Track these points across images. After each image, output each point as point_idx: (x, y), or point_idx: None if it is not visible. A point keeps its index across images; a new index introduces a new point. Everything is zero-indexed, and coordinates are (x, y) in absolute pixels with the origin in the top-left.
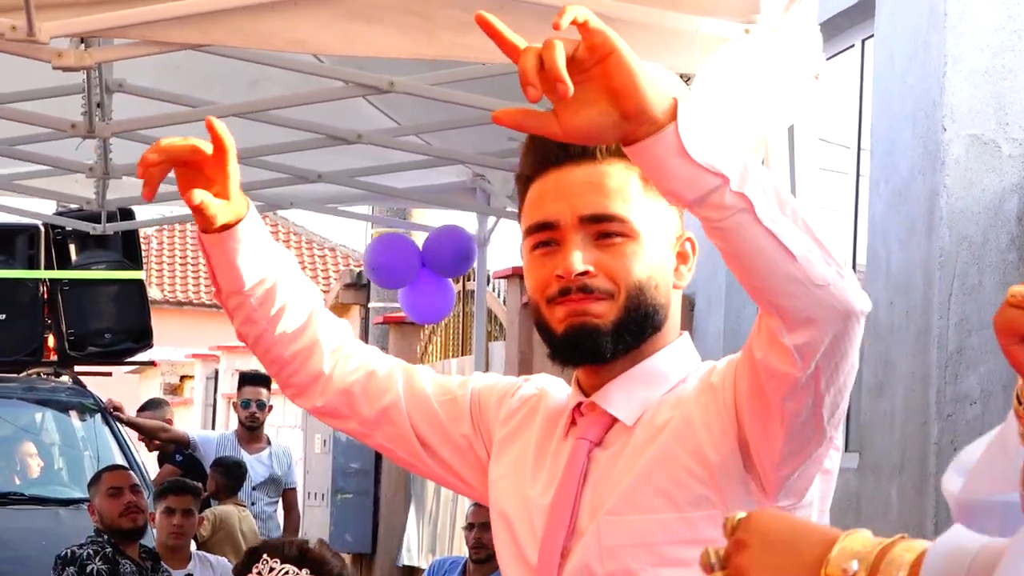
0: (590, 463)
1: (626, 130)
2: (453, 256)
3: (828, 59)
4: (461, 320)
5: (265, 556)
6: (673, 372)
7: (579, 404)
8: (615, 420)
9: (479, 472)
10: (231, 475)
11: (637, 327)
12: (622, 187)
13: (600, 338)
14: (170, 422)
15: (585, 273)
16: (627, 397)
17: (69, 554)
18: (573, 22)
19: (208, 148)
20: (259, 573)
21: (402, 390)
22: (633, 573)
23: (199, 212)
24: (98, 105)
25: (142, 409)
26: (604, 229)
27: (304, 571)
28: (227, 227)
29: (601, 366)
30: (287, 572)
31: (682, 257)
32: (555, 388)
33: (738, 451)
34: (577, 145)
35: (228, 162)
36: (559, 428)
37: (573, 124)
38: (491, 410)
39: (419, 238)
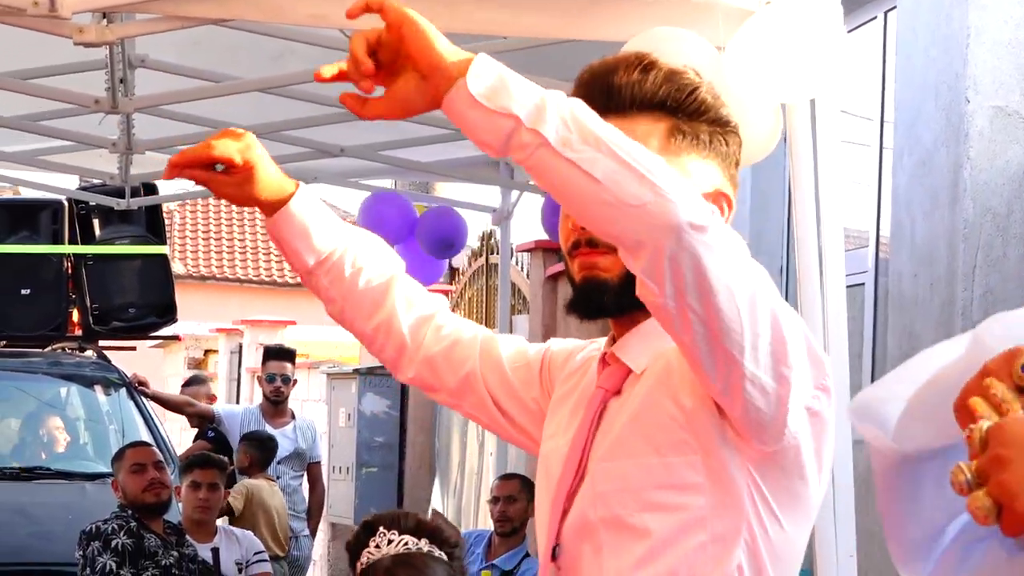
0: (604, 411)
1: (429, 92)
2: (438, 237)
3: (850, 31)
4: (485, 294)
5: (381, 528)
6: None
7: (604, 355)
8: (631, 370)
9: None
10: (264, 448)
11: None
12: (640, 141)
13: (606, 292)
14: (213, 399)
15: (583, 228)
16: (643, 348)
17: (94, 529)
18: (368, 8)
19: (222, 147)
20: (378, 546)
21: (478, 356)
22: (619, 518)
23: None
24: (121, 81)
25: (186, 385)
26: None
27: (423, 541)
28: (277, 208)
29: (623, 319)
30: (406, 542)
31: None
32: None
33: (709, 397)
34: (610, 100)
35: (249, 147)
36: (593, 379)
37: (389, 98)
38: (557, 371)
39: None
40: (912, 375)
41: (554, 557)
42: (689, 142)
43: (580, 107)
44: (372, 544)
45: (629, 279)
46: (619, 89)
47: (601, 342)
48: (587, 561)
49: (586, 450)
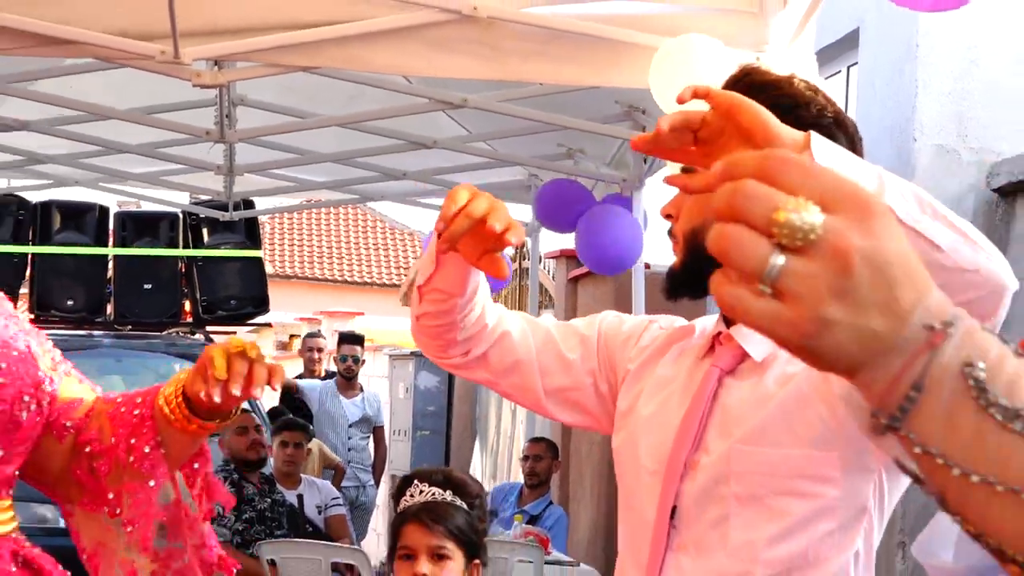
0: (720, 387)
1: None
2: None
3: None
4: (517, 293)
5: (416, 481)
6: None
7: (719, 334)
8: (747, 354)
9: (603, 403)
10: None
11: (697, 270)
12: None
13: (672, 280)
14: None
15: (668, 216)
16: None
17: None
18: (696, 95)
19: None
20: (411, 495)
21: (535, 347)
22: (757, 498)
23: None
24: (227, 116)
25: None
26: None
27: (448, 492)
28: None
29: None
30: (434, 493)
31: None
32: (682, 324)
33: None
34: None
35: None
36: (694, 352)
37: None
38: (619, 349)
39: None
40: None
41: (671, 516)
42: None
43: (906, 182)
44: (408, 493)
45: (685, 268)
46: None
47: (662, 319)
48: (706, 526)
49: (703, 423)
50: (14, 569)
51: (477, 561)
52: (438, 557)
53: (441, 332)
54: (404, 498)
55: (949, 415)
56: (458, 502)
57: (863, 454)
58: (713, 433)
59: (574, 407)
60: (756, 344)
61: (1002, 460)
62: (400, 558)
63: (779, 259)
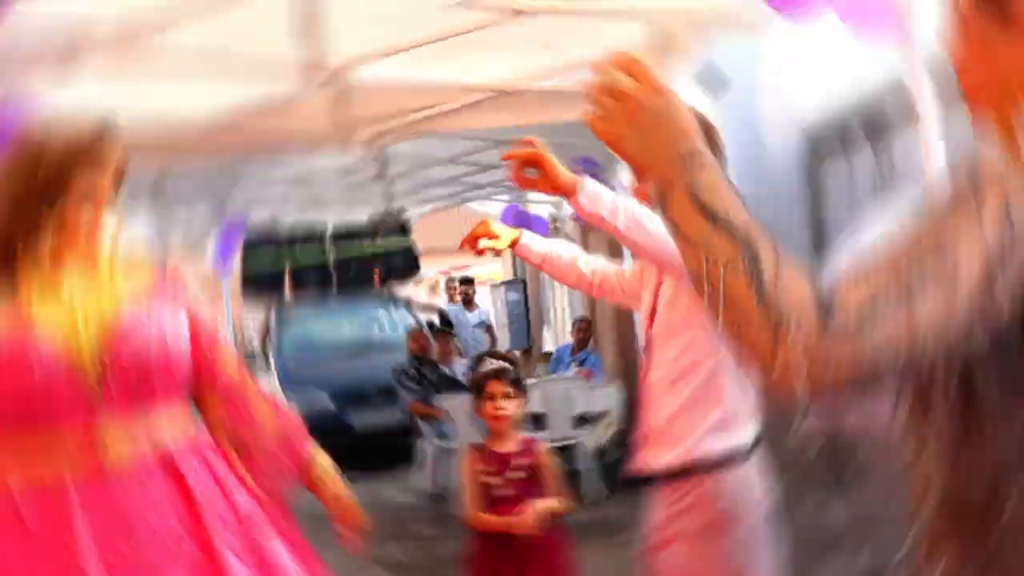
0: (660, 285)
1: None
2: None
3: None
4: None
5: (486, 357)
6: None
7: None
8: None
9: (627, 298)
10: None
11: None
12: None
13: None
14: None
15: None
16: None
17: (399, 366)
18: (527, 142)
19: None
20: (483, 365)
21: (615, 280)
22: (666, 338)
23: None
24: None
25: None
26: None
27: (504, 363)
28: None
29: None
30: (497, 363)
31: None
32: None
33: None
34: None
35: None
36: None
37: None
38: (646, 267)
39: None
40: None
41: (646, 347)
42: None
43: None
44: (482, 365)
45: None
46: None
47: None
48: (655, 352)
49: (655, 302)
50: None
51: (525, 397)
52: (507, 396)
53: (557, 278)
54: (480, 367)
55: (680, 200)
56: (510, 368)
57: None
58: (658, 308)
59: (628, 296)
60: None
61: (691, 224)
62: (485, 399)
63: (609, 101)
